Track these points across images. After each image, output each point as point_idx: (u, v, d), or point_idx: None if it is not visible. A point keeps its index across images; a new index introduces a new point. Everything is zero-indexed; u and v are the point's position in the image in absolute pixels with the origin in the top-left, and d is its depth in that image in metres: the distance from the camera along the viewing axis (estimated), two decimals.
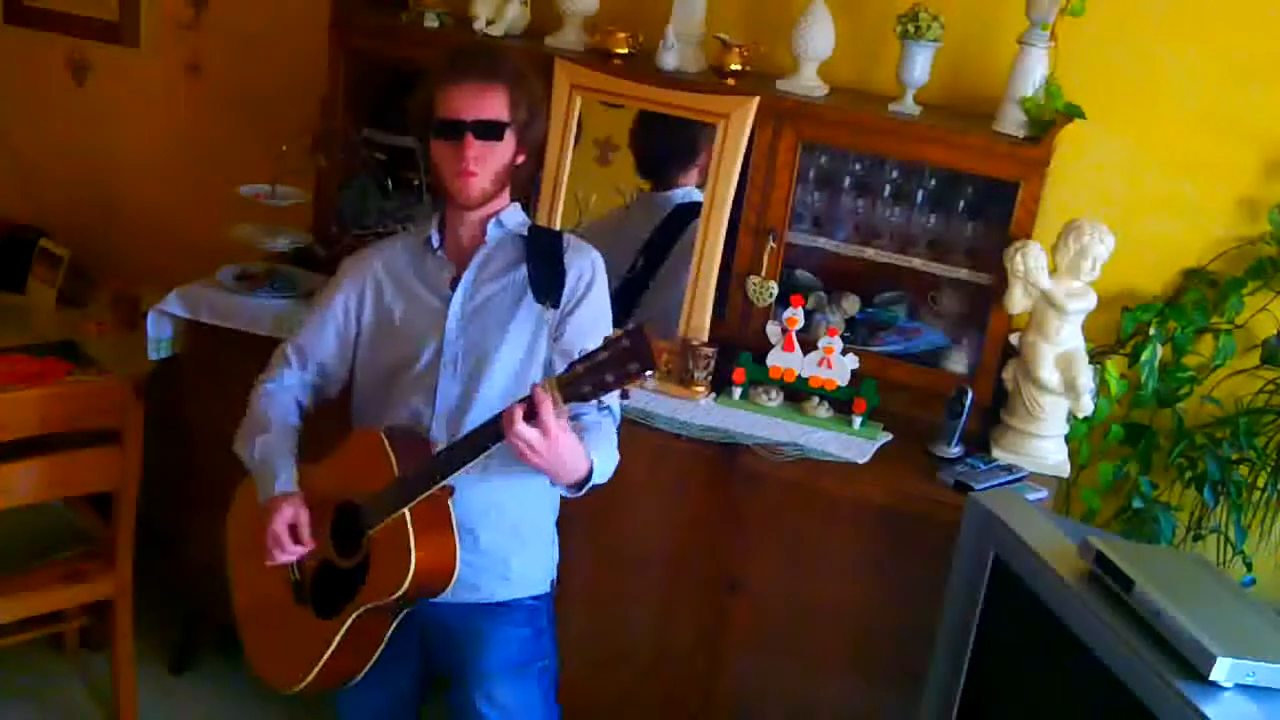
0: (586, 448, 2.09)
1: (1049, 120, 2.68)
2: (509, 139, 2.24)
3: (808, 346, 2.81)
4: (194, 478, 3.13)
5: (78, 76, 3.88)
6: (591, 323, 2.29)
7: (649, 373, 1.90)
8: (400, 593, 2.12)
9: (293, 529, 2.21)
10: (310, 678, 2.26)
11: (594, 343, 2.17)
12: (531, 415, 1.96)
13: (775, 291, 2.88)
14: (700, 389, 2.82)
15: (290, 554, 2.22)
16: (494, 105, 2.21)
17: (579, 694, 2.52)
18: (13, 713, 3.13)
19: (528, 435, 1.96)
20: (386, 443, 2.18)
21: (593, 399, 1.96)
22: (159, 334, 3.05)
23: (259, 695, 3.22)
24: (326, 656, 2.23)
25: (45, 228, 3.78)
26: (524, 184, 2.39)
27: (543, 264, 2.29)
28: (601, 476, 2.16)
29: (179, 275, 3.13)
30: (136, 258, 3.84)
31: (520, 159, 2.30)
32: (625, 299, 2.42)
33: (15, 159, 3.96)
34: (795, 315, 2.80)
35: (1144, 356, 2.81)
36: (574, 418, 2.20)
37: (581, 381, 1.92)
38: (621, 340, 1.90)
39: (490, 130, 2.21)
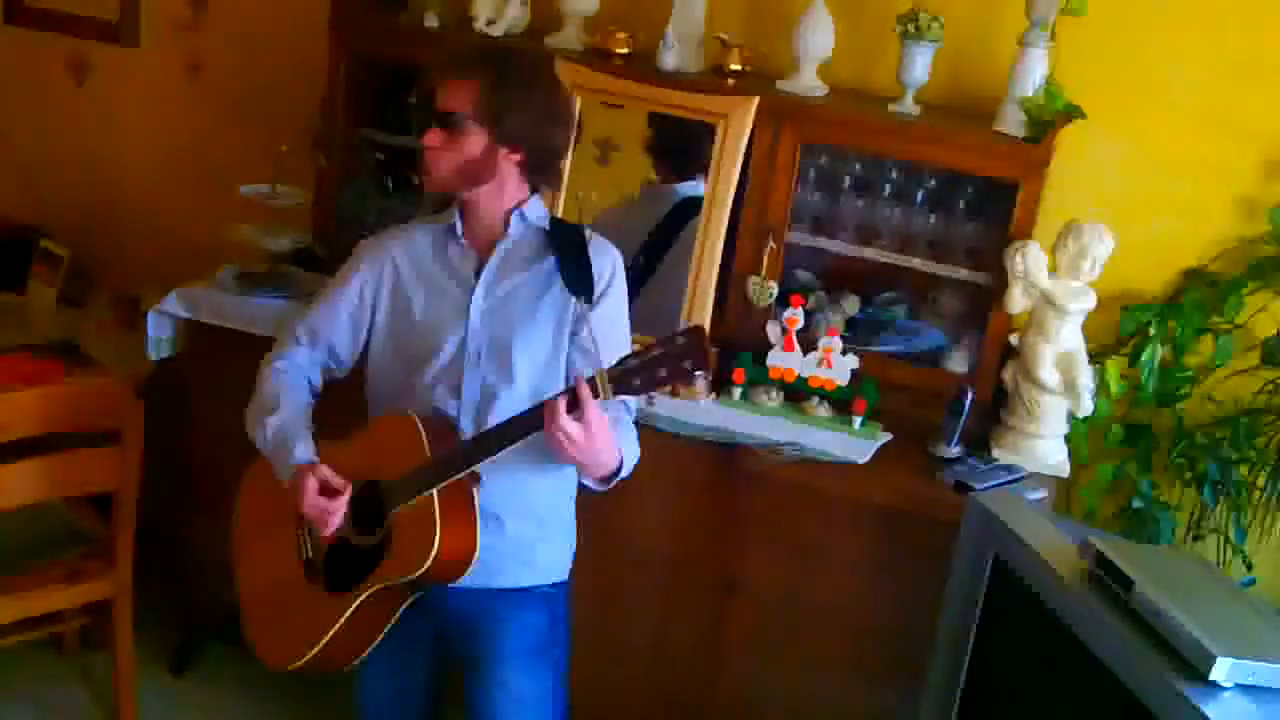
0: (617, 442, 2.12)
1: (1049, 120, 2.68)
2: (470, 132, 2.21)
3: (808, 346, 2.81)
4: (194, 478, 3.14)
5: (78, 76, 3.88)
6: (610, 323, 2.29)
7: (700, 372, 1.91)
8: (421, 571, 2.12)
9: (324, 487, 2.19)
10: (313, 653, 2.26)
11: (611, 343, 2.19)
12: (573, 407, 1.98)
13: (775, 291, 2.88)
14: (700, 389, 2.82)
15: (338, 511, 2.18)
16: (457, 98, 2.20)
17: (579, 693, 2.52)
18: (13, 713, 3.13)
19: (569, 428, 1.99)
20: (420, 426, 2.18)
21: (643, 393, 1.98)
22: (159, 334, 3.05)
23: (260, 695, 3.23)
24: (333, 632, 2.23)
25: (45, 228, 3.78)
26: (544, 177, 2.37)
27: (571, 258, 2.28)
28: (628, 470, 2.18)
29: (179, 275, 3.13)
30: (136, 258, 3.84)
31: (514, 155, 2.25)
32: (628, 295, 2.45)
33: (15, 159, 3.96)
34: (795, 315, 2.80)
35: (1144, 356, 2.81)
36: None
37: (634, 375, 1.95)
38: (677, 337, 1.93)
39: (444, 121, 2.21)
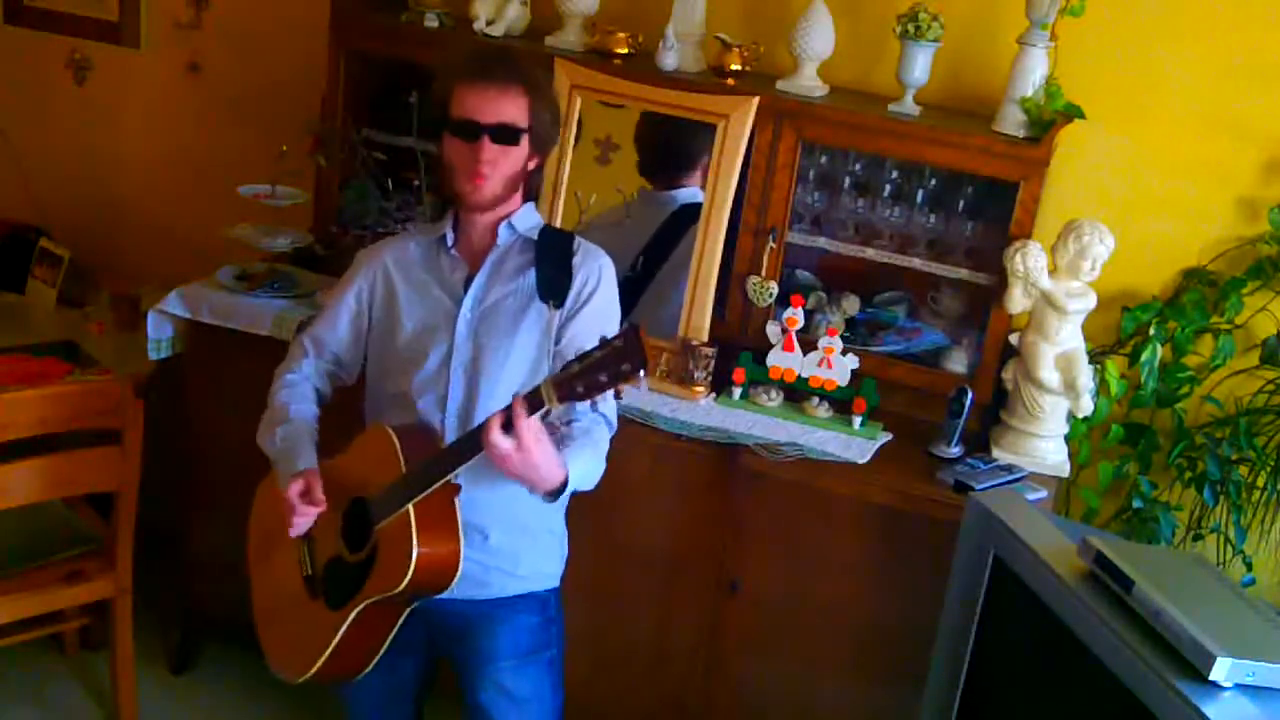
0: (565, 458, 2.10)
1: (1049, 120, 2.68)
2: (524, 145, 2.25)
3: (808, 346, 2.81)
4: (194, 478, 3.14)
5: (78, 76, 3.87)
6: (592, 330, 2.28)
7: (642, 373, 1.91)
8: (402, 587, 2.13)
9: (306, 491, 2.22)
10: (316, 667, 2.28)
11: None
12: (509, 426, 1.98)
13: (775, 291, 2.89)
14: (700, 389, 2.82)
15: (304, 515, 2.22)
16: (513, 110, 2.22)
17: (579, 693, 2.52)
18: (13, 713, 3.13)
19: (502, 446, 1.98)
20: (395, 439, 2.19)
21: (587, 399, 1.96)
22: (159, 334, 3.05)
23: (259, 695, 3.23)
24: (332, 647, 2.24)
25: (45, 228, 3.78)
26: (538, 185, 2.40)
27: (552, 265, 2.29)
28: (583, 484, 2.16)
29: (179, 275, 3.13)
30: (136, 258, 3.84)
31: (533, 163, 2.31)
32: (624, 300, 2.44)
33: (15, 159, 3.96)
34: (795, 315, 2.80)
35: (1144, 356, 2.81)
36: (566, 423, 2.21)
37: (575, 381, 1.93)
38: (615, 340, 1.91)
39: (507, 135, 2.22)
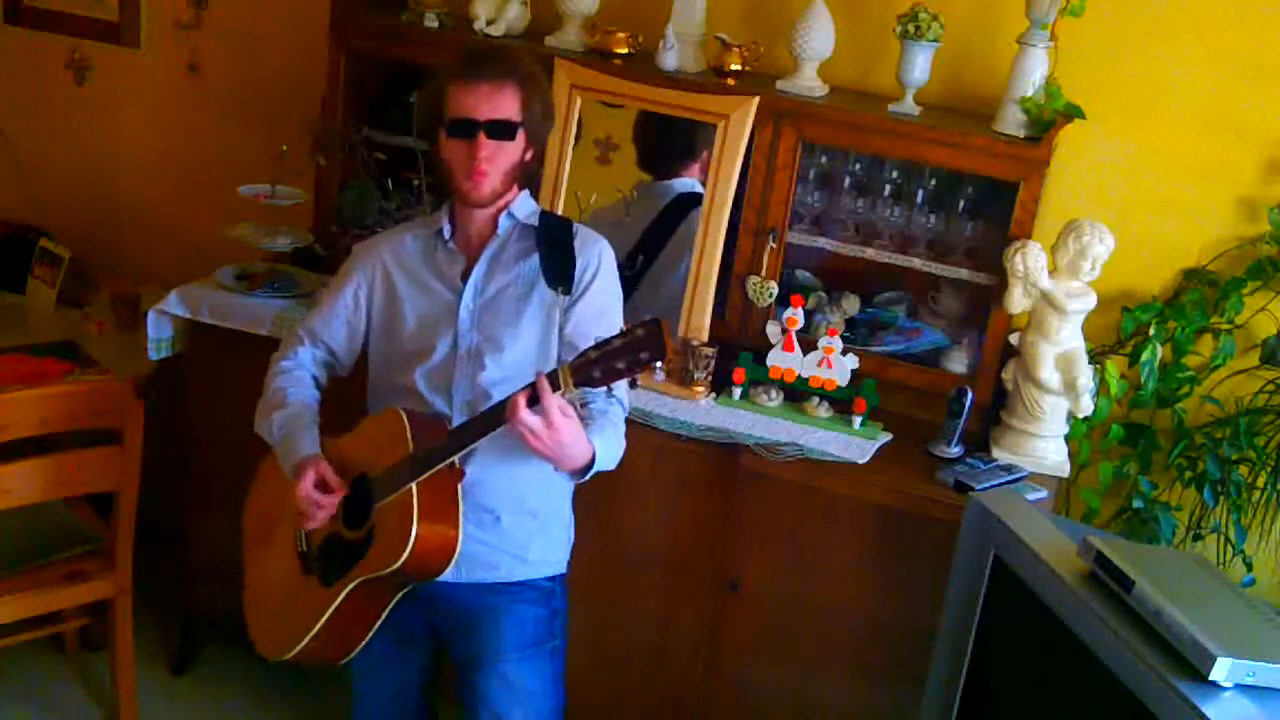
0: (590, 435, 2.12)
1: (1049, 120, 2.68)
2: (520, 138, 2.27)
3: (808, 346, 2.81)
4: (194, 478, 3.14)
5: (78, 76, 3.88)
6: (596, 315, 2.31)
7: (659, 363, 1.93)
8: (397, 566, 2.13)
9: (321, 484, 2.23)
10: (302, 645, 2.28)
11: (598, 334, 2.20)
12: (534, 402, 2.00)
13: (775, 291, 2.89)
14: (700, 389, 2.83)
15: (326, 507, 2.23)
16: (507, 105, 2.24)
17: (579, 692, 2.52)
18: (13, 713, 3.13)
19: (530, 422, 2.01)
20: (406, 421, 2.20)
21: (603, 385, 2.00)
22: (159, 334, 3.05)
23: (259, 695, 3.23)
24: (320, 625, 2.24)
25: (45, 228, 3.78)
26: (532, 176, 2.42)
27: (554, 251, 2.31)
28: (606, 464, 2.18)
29: (179, 275, 3.13)
30: (136, 258, 3.84)
31: (529, 155, 2.32)
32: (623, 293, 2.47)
33: (15, 159, 3.96)
34: (795, 315, 2.80)
35: (1144, 356, 2.81)
36: (583, 405, 2.23)
37: (593, 367, 1.97)
38: (636, 330, 1.95)
39: (503, 130, 2.24)
